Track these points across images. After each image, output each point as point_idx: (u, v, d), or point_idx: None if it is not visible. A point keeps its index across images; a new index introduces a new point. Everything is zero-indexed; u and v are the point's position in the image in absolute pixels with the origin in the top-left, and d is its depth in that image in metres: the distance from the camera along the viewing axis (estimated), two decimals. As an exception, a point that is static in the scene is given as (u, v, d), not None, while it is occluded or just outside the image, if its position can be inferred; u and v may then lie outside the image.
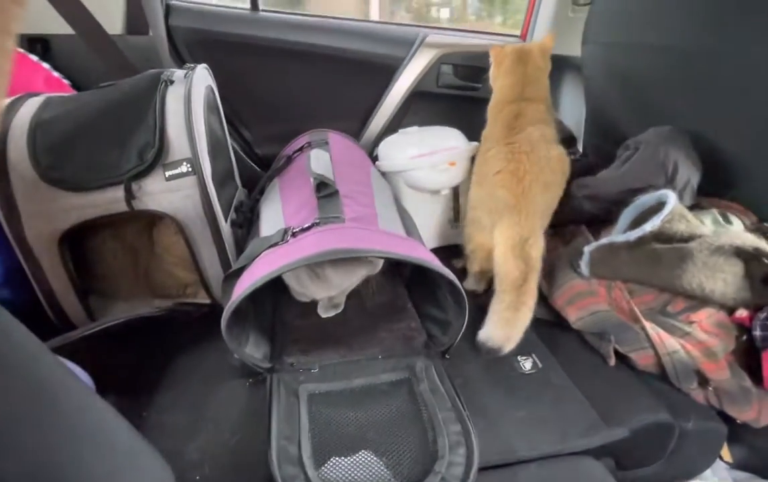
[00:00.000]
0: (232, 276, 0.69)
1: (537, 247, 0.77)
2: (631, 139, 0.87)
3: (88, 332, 0.66)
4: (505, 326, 0.73)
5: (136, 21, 1.08)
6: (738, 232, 0.71)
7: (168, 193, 0.74)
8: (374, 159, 1.12)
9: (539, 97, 1.00)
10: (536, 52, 1.01)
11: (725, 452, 0.69)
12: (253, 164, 1.22)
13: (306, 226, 0.66)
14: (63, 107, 0.74)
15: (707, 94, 0.83)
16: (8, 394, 0.34)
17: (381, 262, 0.73)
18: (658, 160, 0.77)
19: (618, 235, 0.70)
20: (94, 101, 0.75)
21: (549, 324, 0.81)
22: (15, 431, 0.34)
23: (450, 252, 1.08)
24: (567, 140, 1.20)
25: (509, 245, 0.78)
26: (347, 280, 0.79)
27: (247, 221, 0.95)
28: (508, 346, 0.73)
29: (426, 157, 0.98)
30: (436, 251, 1.00)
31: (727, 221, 0.75)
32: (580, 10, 1.23)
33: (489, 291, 0.90)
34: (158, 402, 0.68)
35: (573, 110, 1.33)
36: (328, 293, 0.80)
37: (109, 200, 0.72)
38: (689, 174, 0.78)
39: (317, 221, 0.66)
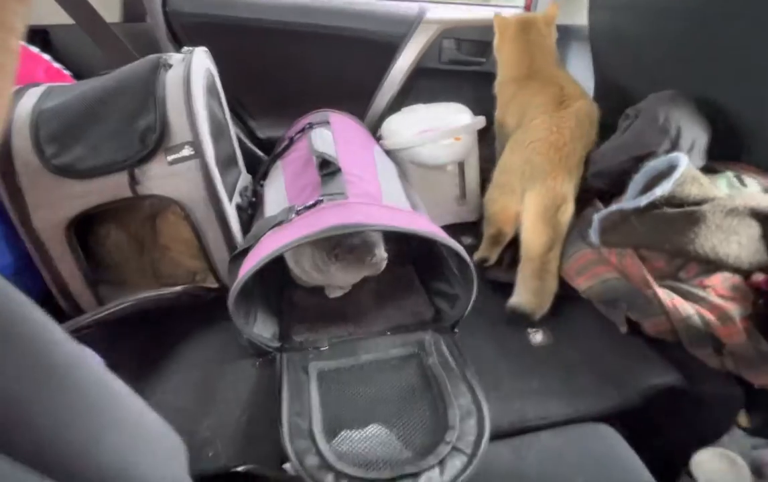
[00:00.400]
0: (238, 257, 0.69)
1: (567, 214, 0.80)
2: (630, 108, 0.85)
3: (99, 316, 0.67)
4: (533, 294, 0.77)
5: (133, 8, 1.07)
6: (753, 193, 0.69)
7: (171, 177, 0.74)
8: (379, 138, 1.11)
9: (550, 63, 0.99)
10: (540, 22, 0.99)
11: (742, 418, 0.68)
12: (257, 150, 1.22)
13: (309, 203, 0.66)
14: (64, 96, 0.74)
15: (716, 56, 0.80)
16: (20, 371, 0.34)
17: (384, 262, 0.73)
18: (659, 124, 0.75)
19: (628, 201, 0.69)
20: (94, 89, 0.75)
21: (559, 297, 0.80)
22: (26, 408, 0.34)
23: (458, 229, 1.07)
24: None
25: (540, 211, 0.80)
26: (351, 278, 0.79)
27: (251, 205, 0.95)
28: (539, 312, 0.76)
29: (430, 132, 0.96)
30: (443, 229, 0.99)
31: (742, 183, 0.73)
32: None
33: (499, 263, 0.89)
34: (169, 385, 0.68)
35: (581, 82, 1.30)
36: (330, 284, 0.80)
37: (114, 186, 0.72)
38: (694, 135, 0.75)
39: (321, 199, 0.65)
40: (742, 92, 0.79)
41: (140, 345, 0.75)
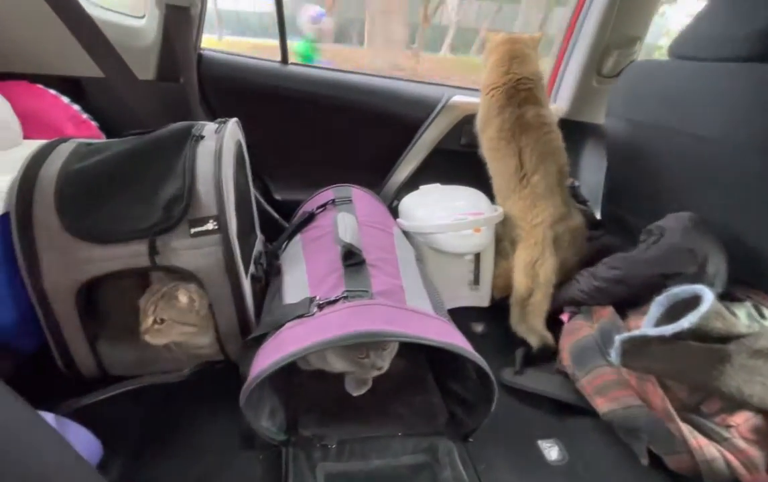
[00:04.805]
0: (252, 343, 0.67)
1: (545, 268, 0.95)
2: (653, 225, 0.87)
3: (101, 398, 0.64)
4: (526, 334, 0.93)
5: (168, 67, 1.09)
6: (776, 332, 0.69)
7: (192, 250, 0.72)
8: (393, 209, 1.11)
9: (531, 73, 1.06)
10: (525, 39, 1.09)
11: None
12: (271, 210, 1.22)
13: (332, 298, 0.64)
14: (91, 157, 0.73)
15: (733, 184, 0.82)
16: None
17: (383, 370, 0.71)
18: (687, 248, 0.77)
19: (651, 327, 0.68)
20: (122, 152, 0.75)
21: (574, 409, 0.78)
22: None
23: (468, 314, 1.06)
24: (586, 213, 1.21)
25: (521, 266, 0.97)
26: (343, 367, 0.74)
27: (265, 274, 0.93)
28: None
29: (451, 221, 0.96)
30: (454, 312, 0.98)
31: (762, 316, 0.73)
32: (606, 81, 1.24)
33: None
34: (166, 472, 0.65)
35: (592, 174, 1.33)
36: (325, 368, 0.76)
37: (132, 254, 0.71)
38: (718, 263, 0.77)
39: (345, 295, 0.64)
40: (755, 222, 0.80)
41: (140, 421, 0.71)
